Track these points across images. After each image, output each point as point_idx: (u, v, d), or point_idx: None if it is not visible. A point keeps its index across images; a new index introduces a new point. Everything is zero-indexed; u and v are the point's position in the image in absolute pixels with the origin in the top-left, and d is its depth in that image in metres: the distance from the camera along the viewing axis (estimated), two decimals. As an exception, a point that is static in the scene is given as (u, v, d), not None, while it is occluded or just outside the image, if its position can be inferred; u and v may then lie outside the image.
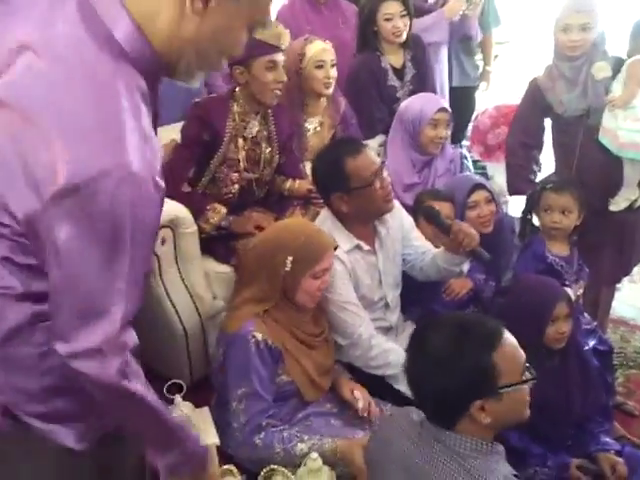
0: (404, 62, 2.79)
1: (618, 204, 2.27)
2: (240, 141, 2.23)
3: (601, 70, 2.20)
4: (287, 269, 1.56)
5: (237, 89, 2.24)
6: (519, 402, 1.15)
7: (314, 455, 1.34)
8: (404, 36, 2.71)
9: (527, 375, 1.15)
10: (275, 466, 1.38)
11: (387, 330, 1.98)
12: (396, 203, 1.99)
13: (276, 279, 1.58)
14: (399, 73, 2.78)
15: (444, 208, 2.08)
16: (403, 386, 1.70)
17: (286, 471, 1.37)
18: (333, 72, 2.49)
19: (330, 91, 2.51)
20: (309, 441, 1.51)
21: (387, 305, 1.97)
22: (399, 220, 1.99)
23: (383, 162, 1.94)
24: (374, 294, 1.92)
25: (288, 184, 2.42)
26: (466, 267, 1.96)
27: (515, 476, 1.16)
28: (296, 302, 1.63)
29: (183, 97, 2.80)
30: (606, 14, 2.26)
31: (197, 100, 2.27)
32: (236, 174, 2.26)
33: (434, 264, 1.90)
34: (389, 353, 1.81)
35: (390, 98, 2.74)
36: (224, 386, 1.60)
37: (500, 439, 1.58)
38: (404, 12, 2.67)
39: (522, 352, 1.16)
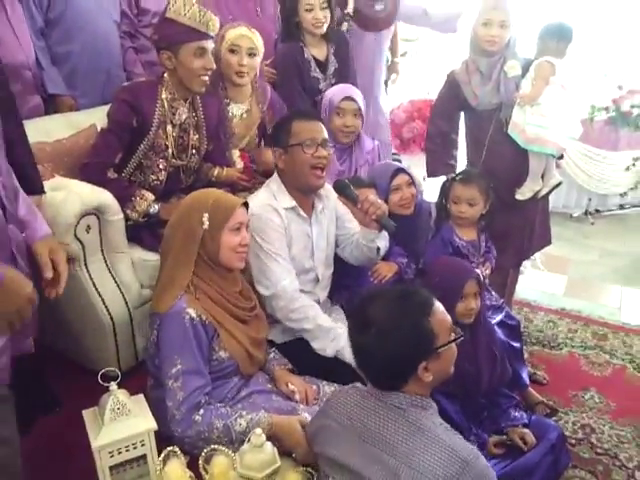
0: (327, 55, 2.85)
1: (523, 194, 2.47)
2: (169, 127, 2.20)
3: (512, 68, 2.38)
4: (205, 227, 1.59)
5: (165, 74, 2.20)
6: (451, 358, 1.30)
7: (258, 431, 1.36)
8: (324, 28, 2.76)
9: (455, 333, 1.30)
10: (216, 446, 1.38)
11: None
12: (329, 187, 2.06)
13: (194, 243, 1.60)
14: (322, 66, 2.83)
15: (368, 194, 2.16)
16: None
17: (228, 450, 1.37)
18: (249, 60, 2.47)
19: (243, 81, 2.50)
20: (247, 416, 1.52)
21: (317, 280, 2.03)
22: (333, 202, 2.07)
23: (333, 146, 1.99)
24: (304, 261, 1.98)
25: (216, 171, 2.43)
26: (382, 245, 2.02)
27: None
28: (222, 263, 1.63)
29: (101, 83, 2.74)
30: (517, 17, 2.43)
31: (125, 84, 2.23)
32: (163, 160, 2.23)
33: (359, 245, 2.00)
34: (308, 308, 1.88)
35: (313, 89, 2.79)
36: (159, 366, 1.58)
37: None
38: (325, 4, 2.72)
39: (448, 315, 1.30)
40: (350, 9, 3.03)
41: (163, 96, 2.18)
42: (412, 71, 4.18)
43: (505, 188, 2.42)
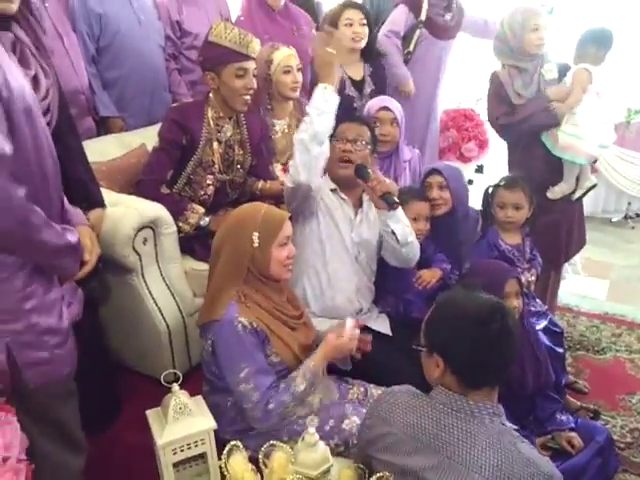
0: (364, 76, 2.94)
1: (554, 193, 2.52)
2: (215, 144, 2.31)
3: (550, 71, 2.45)
4: (255, 245, 1.66)
5: (211, 94, 2.32)
6: None
7: (311, 430, 1.42)
8: (363, 43, 2.85)
9: None
10: (275, 442, 1.43)
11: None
12: None
13: (243, 259, 1.67)
14: (358, 85, 2.91)
15: (419, 207, 2.23)
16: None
17: (286, 446, 1.43)
18: (299, 76, 2.61)
19: (297, 94, 2.63)
20: (302, 375, 1.64)
21: (356, 258, 2.11)
22: None
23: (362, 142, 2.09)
24: (344, 233, 2.09)
25: (260, 184, 2.52)
26: (399, 227, 2.00)
27: None
28: (270, 276, 1.70)
29: (148, 104, 2.88)
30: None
31: (174, 105, 2.35)
32: (211, 176, 2.34)
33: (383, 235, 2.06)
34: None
35: (348, 107, 2.84)
36: (221, 374, 1.65)
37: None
38: (364, 21, 2.83)
39: None
40: (423, 17, 3.13)
41: (209, 114, 2.29)
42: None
43: (539, 190, 2.44)
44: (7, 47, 1.33)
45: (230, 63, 2.21)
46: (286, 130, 2.69)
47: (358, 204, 2.14)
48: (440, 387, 1.26)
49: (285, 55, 2.58)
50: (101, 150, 2.44)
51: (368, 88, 2.94)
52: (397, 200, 1.95)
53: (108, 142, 2.57)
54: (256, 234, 1.66)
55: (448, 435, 1.20)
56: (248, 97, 2.29)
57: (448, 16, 3.17)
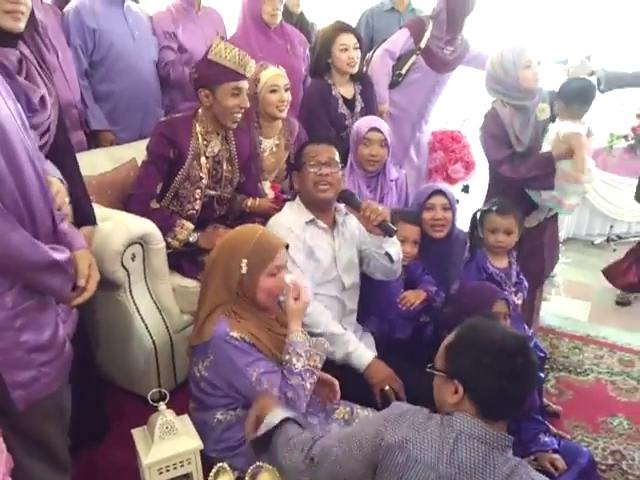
0: (354, 94, 2.99)
1: (530, 222, 2.56)
2: (202, 159, 2.32)
3: (543, 112, 2.46)
4: (243, 272, 1.66)
5: (200, 110, 2.33)
6: None
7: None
8: (356, 68, 2.90)
9: None
10: (261, 463, 1.43)
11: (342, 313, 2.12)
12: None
13: (232, 282, 1.68)
14: (349, 104, 2.96)
15: (409, 230, 2.24)
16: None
17: (272, 467, 1.42)
18: (287, 96, 2.64)
19: (284, 114, 2.66)
20: (290, 353, 1.65)
21: (343, 286, 2.10)
22: (357, 222, 2.14)
23: (342, 166, 2.11)
24: (330, 270, 2.07)
25: (249, 202, 2.54)
26: (392, 251, 2.03)
27: None
28: (257, 302, 1.71)
29: (140, 118, 2.89)
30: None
31: (163, 119, 2.36)
32: (198, 190, 2.35)
33: (371, 253, 2.07)
34: (320, 315, 1.96)
35: (340, 124, 2.91)
36: (214, 391, 1.66)
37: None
38: (357, 45, 2.87)
39: None
40: (422, 44, 3.14)
41: (197, 129, 2.31)
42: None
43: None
44: (14, 65, 1.33)
45: (227, 82, 2.23)
46: (274, 149, 2.73)
47: (332, 224, 2.13)
48: (462, 413, 1.23)
49: (273, 74, 2.61)
50: (91, 163, 2.43)
51: (359, 106, 2.99)
52: (395, 228, 1.96)
53: (99, 155, 2.57)
54: (245, 261, 1.66)
55: (469, 464, 1.17)
56: (240, 115, 2.32)
57: (448, 50, 3.17)
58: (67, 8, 2.74)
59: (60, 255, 1.24)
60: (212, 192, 2.40)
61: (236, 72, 2.23)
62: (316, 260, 2.06)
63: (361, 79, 3.00)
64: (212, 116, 2.32)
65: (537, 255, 2.62)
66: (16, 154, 1.18)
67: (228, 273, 1.68)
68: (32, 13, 1.50)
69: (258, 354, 1.63)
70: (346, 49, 2.85)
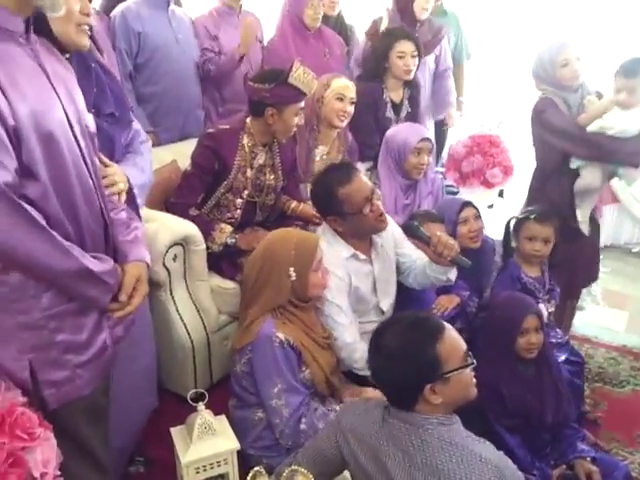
0: (402, 99, 2.99)
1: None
2: (248, 171, 2.34)
3: (591, 103, 2.41)
4: (293, 279, 1.74)
5: (248, 121, 2.34)
6: (464, 383, 1.35)
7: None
8: (412, 75, 2.91)
9: (468, 361, 1.35)
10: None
11: None
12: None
13: (285, 292, 1.75)
14: (396, 108, 2.97)
15: (436, 229, 2.22)
16: None
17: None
18: (350, 108, 2.66)
19: (343, 124, 2.69)
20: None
21: (382, 311, 2.10)
22: (391, 231, 2.13)
23: (374, 184, 2.06)
24: (369, 298, 2.06)
25: (293, 205, 2.55)
26: (454, 275, 2.07)
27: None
28: (309, 298, 1.79)
29: (181, 120, 2.95)
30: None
31: (210, 131, 2.36)
32: (240, 200, 2.38)
33: (425, 273, 2.04)
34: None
35: (384, 129, 2.89)
36: (254, 388, 1.71)
37: (497, 440, 1.77)
38: (415, 53, 2.87)
39: (462, 342, 1.37)
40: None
41: (245, 142, 2.33)
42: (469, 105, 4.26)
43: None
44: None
45: (295, 103, 2.27)
46: (325, 157, 2.76)
47: (369, 246, 2.07)
48: None
49: (343, 84, 2.66)
50: (133, 165, 2.49)
51: (405, 111, 3.00)
52: (469, 262, 1.91)
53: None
54: (292, 269, 1.73)
55: (404, 445, 1.32)
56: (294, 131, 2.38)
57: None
58: (114, 12, 2.81)
59: (99, 265, 1.21)
60: (254, 199, 2.42)
61: (303, 93, 2.27)
62: (360, 295, 2.03)
63: (411, 84, 3.00)
64: (263, 130, 2.33)
65: (572, 262, 2.55)
66: (64, 166, 1.17)
67: (278, 285, 1.74)
68: None
69: (291, 366, 1.68)
70: (403, 56, 2.86)
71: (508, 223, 2.35)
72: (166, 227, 2.09)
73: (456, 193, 3.73)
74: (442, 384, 1.31)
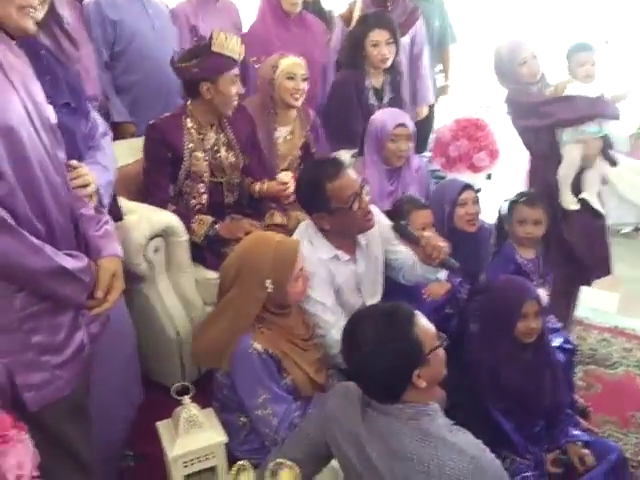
0: (383, 85, 2.95)
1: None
2: (199, 153, 2.30)
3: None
4: (269, 291, 1.64)
5: (188, 104, 2.32)
6: (440, 362, 1.37)
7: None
8: (389, 62, 2.86)
9: (440, 338, 1.38)
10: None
11: None
12: (374, 209, 2.06)
13: (259, 303, 1.65)
14: (378, 94, 2.93)
15: (423, 216, 2.22)
16: None
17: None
18: (303, 85, 2.62)
19: (298, 103, 2.64)
20: None
21: None
22: (377, 229, 2.04)
23: (363, 180, 1.94)
24: (354, 301, 2.00)
25: (257, 187, 2.48)
26: (443, 275, 2.07)
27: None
28: (288, 305, 1.72)
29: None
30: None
31: (151, 122, 2.32)
32: (202, 185, 2.33)
33: (414, 272, 2.01)
34: None
35: (369, 115, 2.83)
36: (238, 397, 1.65)
37: (492, 424, 1.74)
38: (391, 40, 2.82)
39: (431, 324, 1.38)
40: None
41: (189, 125, 2.30)
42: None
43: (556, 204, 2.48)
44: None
45: (228, 71, 2.23)
46: (289, 137, 2.72)
47: (353, 245, 1.99)
48: None
49: (291, 62, 2.61)
50: (112, 156, 2.43)
51: (387, 97, 2.96)
52: (458, 264, 1.86)
53: (119, 147, 2.54)
54: (268, 281, 1.63)
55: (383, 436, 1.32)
56: (236, 102, 2.32)
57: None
58: (87, 0, 2.74)
59: (73, 263, 1.18)
60: (217, 179, 2.37)
61: (235, 60, 2.23)
62: (343, 296, 1.98)
63: (391, 69, 2.95)
64: (205, 109, 2.29)
65: (573, 246, 2.55)
66: (28, 162, 1.13)
67: (248, 297, 1.64)
68: (52, 5, 1.49)
69: (272, 375, 1.63)
70: (377, 45, 2.81)
71: (501, 207, 2.36)
72: (146, 219, 2.04)
73: (443, 178, 3.70)
74: (425, 366, 1.31)
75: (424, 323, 1.35)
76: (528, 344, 1.90)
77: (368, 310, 1.48)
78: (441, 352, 1.37)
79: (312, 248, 1.90)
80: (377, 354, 1.29)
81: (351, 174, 1.90)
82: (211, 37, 2.20)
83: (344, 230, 1.92)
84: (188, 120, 2.30)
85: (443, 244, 1.82)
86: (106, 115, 2.73)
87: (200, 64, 2.23)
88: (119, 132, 2.79)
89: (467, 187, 2.38)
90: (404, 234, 1.95)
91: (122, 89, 2.80)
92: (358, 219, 1.88)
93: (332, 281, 1.92)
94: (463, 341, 2.06)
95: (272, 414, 1.60)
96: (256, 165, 2.52)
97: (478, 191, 3.80)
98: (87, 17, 2.70)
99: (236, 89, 2.27)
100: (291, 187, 2.61)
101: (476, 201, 2.37)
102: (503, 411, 1.85)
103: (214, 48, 2.19)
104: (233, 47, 2.21)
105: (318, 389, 1.78)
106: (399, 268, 2.07)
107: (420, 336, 1.31)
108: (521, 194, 2.32)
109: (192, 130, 2.29)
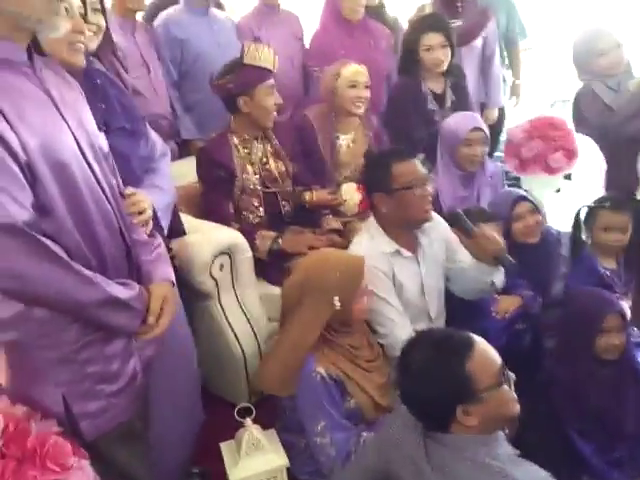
0: (444, 89, 2.86)
1: None
2: (249, 168, 2.33)
3: (636, 85, 2.34)
4: (337, 308, 1.64)
5: (231, 123, 2.35)
6: (502, 401, 1.25)
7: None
8: (444, 66, 2.77)
9: (504, 377, 1.26)
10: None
11: None
12: (439, 218, 2.03)
13: (324, 320, 1.66)
14: (439, 98, 2.84)
15: (485, 229, 2.11)
16: None
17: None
18: (365, 93, 2.60)
19: (360, 111, 2.62)
20: None
21: (429, 317, 1.99)
22: (443, 234, 2.02)
23: (429, 174, 1.95)
24: (417, 301, 1.96)
25: (307, 196, 2.49)
26: (498, 279, 1.95)
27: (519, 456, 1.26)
28: (354, 323, 1.71)
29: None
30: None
31: (199, 145, 2.40)
32: (256, 199, 2.36)
33: (468, 276, 1.94)
34: None
35: (429, 121, 2.80)
36: (300, 423, 1.65)
37: (570, 448, 1.64)
38: (445, 43, 2.73)
39: (496, 357, 1.27)
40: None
41: (235, 142, 2.33)
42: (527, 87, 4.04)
43: None
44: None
45: (263, 82, 2.24)
46: (351, 145, 2.70)
47: (414, 244, 1.96)
48: None
49: (353, 70, 2.59)
50: (181, 173, 2.49)
51: (449, 101, 2.87)
52: (513, 260, 1.83)
53: (186, 164, 2.63)
54: (336, 298, 1.63)
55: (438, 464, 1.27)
56: (276, 113, 2.33)
57: (454, 24, 2.97)
58: (156, 22, 2.84)
59: (125, 292, 1.20)
60: (271, 190, 2.39)
61: (269, 70, 2.23)
62: (406, 295, 1.93)
63: (452, 72, 2.86)
64: (246, 123, 2.32)
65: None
66: (79, 195, 1.15)
67: (314, 315, 1.65)
68: (108, 32, 1.54)
69: (334, 401, 1.61)
70: (430, 49, 2.73)
71: (578, 213, 2.22)
72: (211, 237, 2.07)
73: (518, 179, 3.54)
74: (476, 404, 1.22)
75: (484, 357, 1.26)
76: (610, 360, 1.79)
77: (425, 333, 1.42)
78: (504, 391, 1.26)
79: (373, 242, 1.91)
80: (419, 381, 1.26)
81: (419, 165, 1.91)
82: (242, 49, 2.22)
83: (401, 217, 1.89)
84: (234, 136, 2.34)
85: (499, 237, 1.81)
86: (175, 133, 2.82)
87: (234, 79, 2.25)
88: (188, 149, 2.88)
89: (520, 199, 2.25)
90: (459, 223, 1.92)
91: (189, 107, 2.89)
92: (416, 206, 1.87)
93: (393, 277, 1.90)
94: (537, 358, 1.97)
95: (330, 443, 1.58)
96: (304, 172, 2.53)
97: (558, 191, 3.63)
98: (157, 38, 2.80)
99: (273, 100, 2.27)
100: (355, 198, 2.60)
101: (533, 211, 2.23)
102: (582, 433, 1.75)
103: (246, 60, 2.21)
104: (266, 58, 2.22)
105: (383, 412, 1.74)
106: (458, 278, 2.00)
107: (473, 372, 1.22)
108: (604, 198, 2.18)
109: (239, 146, 2.33)
